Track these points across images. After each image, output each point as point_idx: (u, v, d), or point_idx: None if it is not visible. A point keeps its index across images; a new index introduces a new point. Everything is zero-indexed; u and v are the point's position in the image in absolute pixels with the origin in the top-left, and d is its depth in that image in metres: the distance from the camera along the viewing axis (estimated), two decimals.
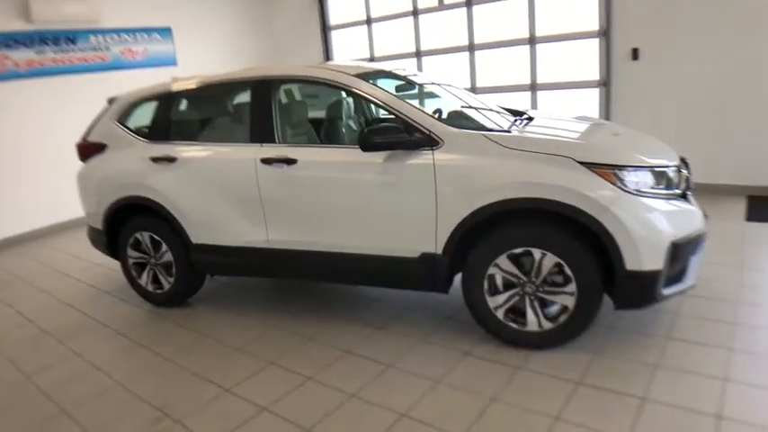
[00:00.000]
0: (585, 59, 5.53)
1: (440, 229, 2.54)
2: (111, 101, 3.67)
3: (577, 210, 2.27)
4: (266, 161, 2.89)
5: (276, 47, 8.04)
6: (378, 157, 2.62)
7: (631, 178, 2.32)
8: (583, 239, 2.36)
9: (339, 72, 2.87)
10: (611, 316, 2.72)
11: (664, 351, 2.49)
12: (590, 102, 5.57)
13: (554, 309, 2.49)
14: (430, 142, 2.54)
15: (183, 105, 3.48)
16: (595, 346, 2.56)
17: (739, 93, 4.62)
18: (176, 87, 3.38)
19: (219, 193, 3.09)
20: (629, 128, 3.25)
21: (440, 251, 2.58)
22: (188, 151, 3.22)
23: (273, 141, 2.95)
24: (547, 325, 2.50)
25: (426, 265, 2.63)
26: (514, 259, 2.47)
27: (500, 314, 2.57)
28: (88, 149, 3.65)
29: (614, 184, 2.28)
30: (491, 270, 2.51)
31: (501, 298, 2.55)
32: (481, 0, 6.13)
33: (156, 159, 3.26)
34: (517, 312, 2.55)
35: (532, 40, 5.79)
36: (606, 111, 5.39)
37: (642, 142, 2.82)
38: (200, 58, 6.96)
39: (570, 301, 2.42)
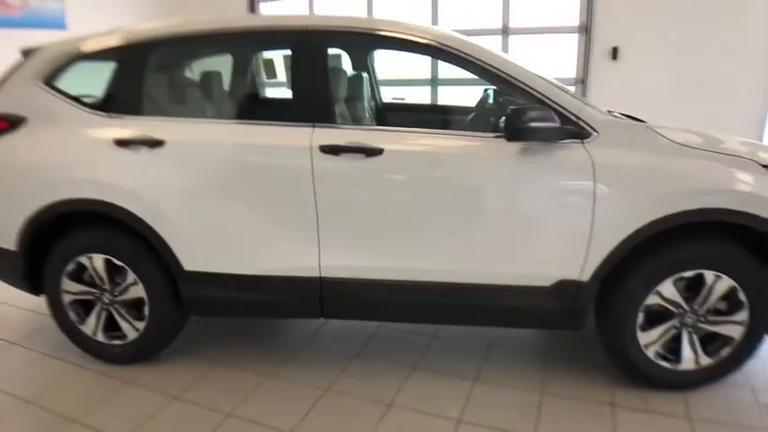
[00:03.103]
0: (563, 56, 5.37)
1: (593, 249, 1.94)
2: (27, 53, 2.36)
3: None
4: (330, 150, 1.98)
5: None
6: (509, 149, 1.92)
7: None
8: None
9: (439, 31, 2.09)
10: None
11: None
12: None
13: (716, 342, 2.05)
14: (580, 133, 1.92)
15: (170, 62, 2.34)
16: (739, 381, 2.19)
17: (716, 101, 4.79)
18: (157, 33, 2.24)
19: (241, 195, 2.09)
20: None
21: (586, 277, 1.97)
22: (185, 131, 2.14)
23: (332, 122, 2.06)
24: (705, 361, 2.06)
25: (563, 295, 2.01)
26: (680, 284, 1.97)
27: (651, 353, 2.05)
28: None
29: None
30: (650, 299, 1.99)
31: (655, 333, 2.04)
32: None
33: (124, 143, 2.11)
34: (668, 348, 2.07)
35: (506, 31, 5.48)
36: None
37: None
38: (98, 26, 5.35)
39: (737, 332, 2.01)
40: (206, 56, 2.41)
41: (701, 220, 1.90)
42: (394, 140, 2.01)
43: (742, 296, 1.97)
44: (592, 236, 1.93)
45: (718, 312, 2.02)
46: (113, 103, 2.22)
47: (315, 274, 2.10)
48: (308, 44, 2.09)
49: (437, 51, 2.05)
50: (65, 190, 2.18)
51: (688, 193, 1.87)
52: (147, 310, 2.26)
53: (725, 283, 1.96)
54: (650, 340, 2.04)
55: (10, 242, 2.29)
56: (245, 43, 2.41)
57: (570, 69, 5.34)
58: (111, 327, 2.34)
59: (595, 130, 1.93)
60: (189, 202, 2.12)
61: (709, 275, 1.96)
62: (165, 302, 2.25)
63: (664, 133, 1.95)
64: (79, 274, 2.30)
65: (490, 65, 2.00)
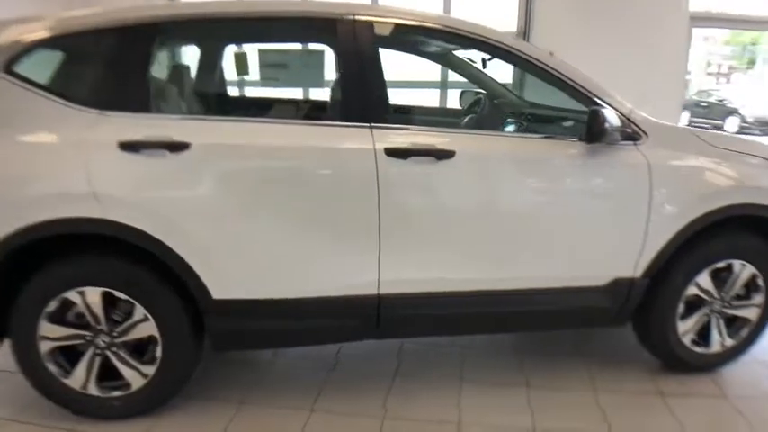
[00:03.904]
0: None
1: (647, 246, 2.01)
2: None
3: None
4: (398, 153, 1.80)
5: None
6: (578, 151, 1.92)
7: None
8: None
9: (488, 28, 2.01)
10: None
11: None
12: None
13: (735, 324, 2.26)
14: (633, 135, 1.98)
15: (183, 47, 1.95)
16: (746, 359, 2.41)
17: (639, 100, 5.33)
18: (163, 13, 1.83)
19: (286, 206, 1.81)
20: None
21: (639, 273, 2.04)
22: (214, 132, 1.80)
23: (387, 122, 1.88)
24: (729, 342, 2.25)
25: (617, 293, 2.06)
26: (713, 275, 2.14)
27: (687, 340, 2.20)
28: None
29: None
30: (690, 290, 2.12)
31: (691, 321, 2.18)
32: None
33: (133, 146, 1.71)
34: (699, 334, 2.23)
35: None
36: None
37: None
38: None
39: (755, 314, 2.23)
40: (227, 43, 2.05)
41: (736, 215, 2.06)
42: (464, 142, 1.89)
43: (761, 282, 2.18)
44: (647, 233, 2.00)
45: (739, 297, 2.22)
46: (105, 96, 1.78)
47: (372, 291, 1.90)
48: (351, 33, 1.87)
49: (501, 52, 1.98)
50: (48, 208, 1.70)
51: (730, 190, 2.03)
52: (159, 351, 1.86)
53: (748, 271, 2.16)
54: (687, 328, 2.18)
55: None
56: (279, 31, 2.10)
57: (507, 74, 5.60)
58: (107, 376, 1.89)
59: (645, 133, 2.00)
60: (221, 218, 1.78)
61: (737, 265, 2.14)
62: (184, 339, 1.88)
63: (702, 136, 2.09)
64: (60, 314, 1.82)
65: (549, 66, 1.98)
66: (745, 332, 2.26)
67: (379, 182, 1.79)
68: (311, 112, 2.03)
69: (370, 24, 1.88)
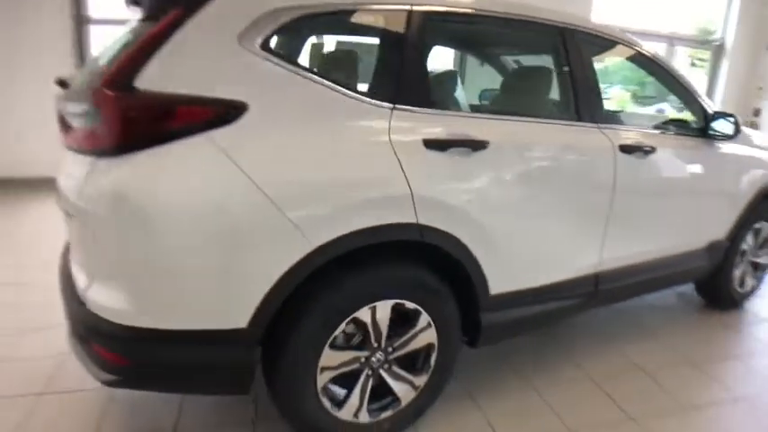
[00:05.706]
0: None
1: (733, 214, 2.70)
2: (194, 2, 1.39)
3: None
4: (627, 149, 2.08)
5: None
6: (708, 144, 2.50)
7: None
8: None
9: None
10: None
11: None
12: None
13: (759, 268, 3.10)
14: None
15: (458, 41, 1.82)
16: None
17: None
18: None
19: (552, 200, 1.92)
20: None
21: (724, 236, 2.71)
22: (503, 130, 1.79)
23: (605, 121, 2.12)
24: (754, 282, 3.08)
25: (712, 253, 2.68)
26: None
27: (736, 284, 2.96)
28: (164, 119, 1.30)
29: None
30: (742, 246, 2.88)
31: (739, 269, 2.95)
32: None
33: (440, 144, 1.60)
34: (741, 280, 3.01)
35: None
36: None
37: None
38: None
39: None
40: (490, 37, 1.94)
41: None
42: (657, 140, 2.26)
43: None
44: (735, 204, 2.68)
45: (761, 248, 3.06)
46: (394, 90, 1.59)
47: (593, 270, 2.13)
48: (571, 40, 2.04)
49: (647, 61, 2.38)
50: (360, 216, 1.48)
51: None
52: (433, 359, 1.78)
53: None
54: (737, 275, 2.94)
55: (231, 317, 1.40)
56: (524, 35, 2.09)
57: None
58: (377, 399, 1.73)
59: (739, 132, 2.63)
60: (508, 213, 1.80)
61: (766, 226, 2.96)
62: (456, 341, 1.83)
63: (750, 133, 2.85)
64: (337, 339, 1.60)
65: (679, 76, 2.46)
66: (760, 275, 3.13)
67: (616, 174, 2.05)
68: (552, 112, 2.15)
69: (593, 36, 2.12)
